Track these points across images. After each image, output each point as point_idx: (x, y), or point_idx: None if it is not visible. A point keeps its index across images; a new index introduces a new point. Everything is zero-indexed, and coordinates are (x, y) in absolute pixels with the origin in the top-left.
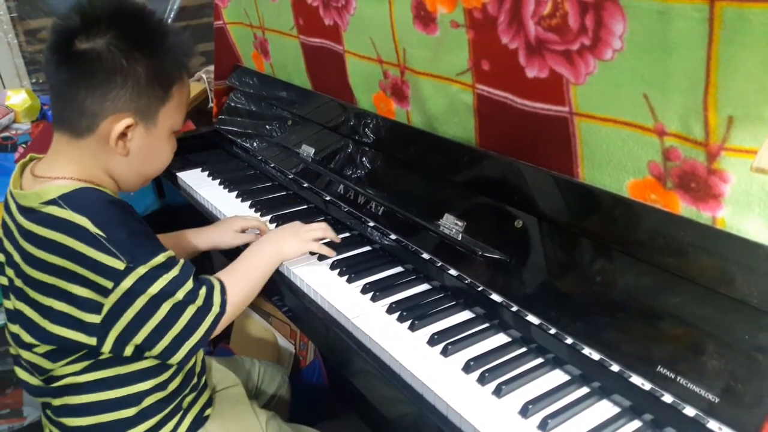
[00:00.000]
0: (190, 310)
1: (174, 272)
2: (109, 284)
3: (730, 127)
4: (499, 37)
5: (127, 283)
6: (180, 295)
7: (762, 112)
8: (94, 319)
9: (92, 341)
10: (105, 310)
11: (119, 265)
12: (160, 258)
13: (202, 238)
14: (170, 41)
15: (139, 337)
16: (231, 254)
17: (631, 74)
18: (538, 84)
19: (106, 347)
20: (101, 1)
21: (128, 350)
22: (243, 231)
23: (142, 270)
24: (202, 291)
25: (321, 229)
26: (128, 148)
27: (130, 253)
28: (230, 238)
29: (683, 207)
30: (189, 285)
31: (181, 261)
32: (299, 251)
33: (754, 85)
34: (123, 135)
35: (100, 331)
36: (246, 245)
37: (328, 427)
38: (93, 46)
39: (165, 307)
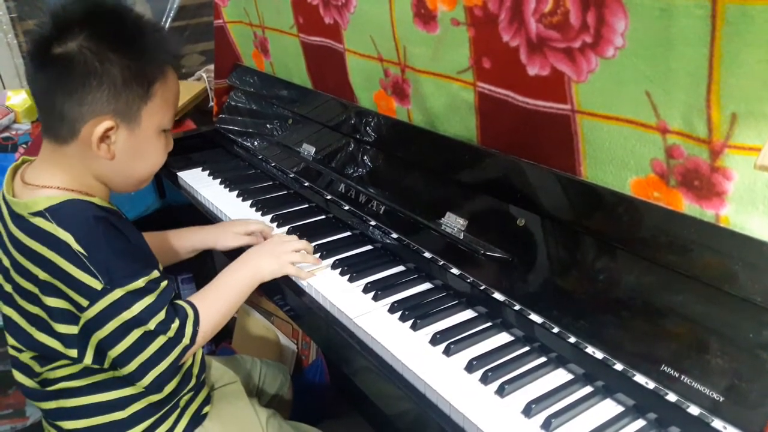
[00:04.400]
0: (160, 340)
1: (150, 299)
2: (84, 302)
3: (734, 125)
4: (500, 35)
5: (102, 304)
6: (152, 324)
7: (765, 108)
8: (71, 330)
9: (72, 353)
10: (81, 323)
11: (97, 285)
12: (139, 283)
13: (199, 238)
14: (147, 40)
15: (110, 356)
16: (233, 255)
17: (633, 72)
18: (539, 82)
19: (87, 360)
20: (74, 5)
21: (108, 363)
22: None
23: (118, 293)
24: (175, 324)
25: (299, 247)
26: (113, 151)
27: (109, 274)
28: (229, 240)
29: (686, 205)
30: (161, 315)
31: (162, 285)
32: (277, 273)
33: (757, 82)
34: (105, 138)
35: (80, 343)
36: (246, 247)
37: (330, 426)
38: (66, 50)
39: (135, 334)
